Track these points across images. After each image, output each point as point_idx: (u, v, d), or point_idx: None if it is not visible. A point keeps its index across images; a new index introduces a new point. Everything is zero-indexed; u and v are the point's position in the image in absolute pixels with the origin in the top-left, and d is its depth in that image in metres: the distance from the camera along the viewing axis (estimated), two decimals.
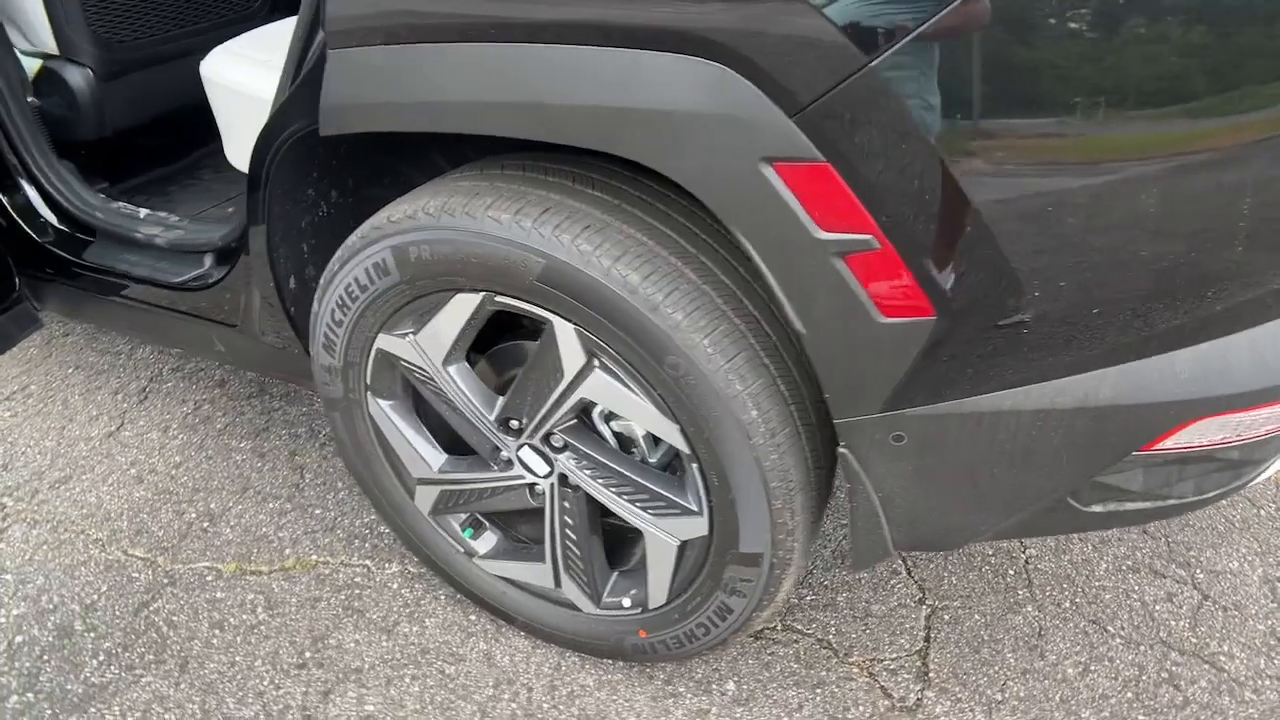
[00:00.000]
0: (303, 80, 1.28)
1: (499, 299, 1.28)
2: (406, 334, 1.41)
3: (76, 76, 2.04)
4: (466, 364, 1.43)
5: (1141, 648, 1.65)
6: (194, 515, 2.02)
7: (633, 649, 1.56)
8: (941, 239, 0.96)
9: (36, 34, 1.99)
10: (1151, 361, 1.03)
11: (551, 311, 1.24)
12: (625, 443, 1.44)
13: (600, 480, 1.40)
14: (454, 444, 1.60)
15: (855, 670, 1.63)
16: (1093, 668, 1.62)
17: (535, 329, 1.50)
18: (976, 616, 1.72)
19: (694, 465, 1.28)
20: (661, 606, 1.47)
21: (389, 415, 1.54)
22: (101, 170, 2.21)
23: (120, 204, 2.00)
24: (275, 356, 1.78)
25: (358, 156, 1.57)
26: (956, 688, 1.59)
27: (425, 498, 1.62)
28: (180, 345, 2.00)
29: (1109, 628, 1.68)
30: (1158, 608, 1.72)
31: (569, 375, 1.29)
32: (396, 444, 1.57)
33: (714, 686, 1.61)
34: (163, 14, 2.18)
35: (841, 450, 1.17)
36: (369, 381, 1.51)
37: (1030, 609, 1.73)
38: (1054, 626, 1.69)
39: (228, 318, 1.80)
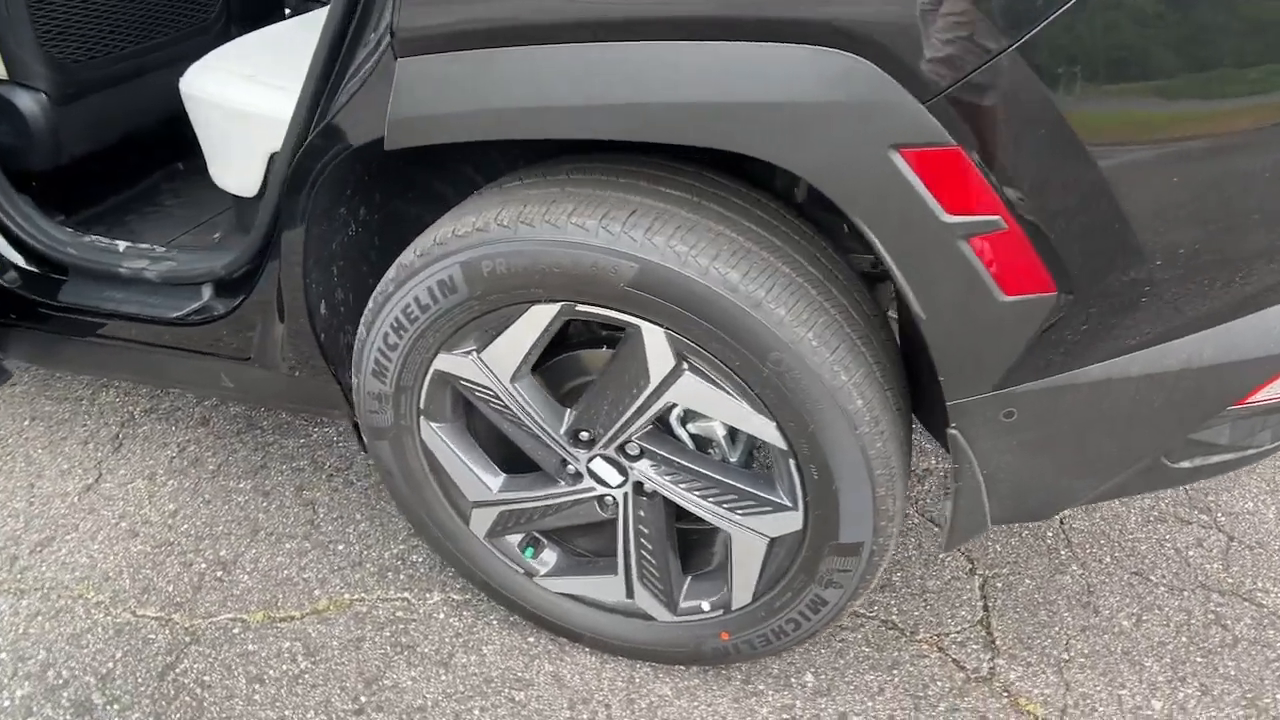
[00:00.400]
0: (354, 95, 1.21)
1: (580, 308, 1.24)
2: (469, 352, 1.36)
3: (28, 101, 1.88)
4: (534, 378, 1.39)
5: (1184, 593, 1.73)
6: (204, 565, 1.90)
7: (713, 653, 1.54)
8: (1067, 216, 0.98)
9: None
10: (1248, 319, 1.08)
11: (639, 316, 1.21)
12: (701, 444, 1.42)
13: (683, 484, 1.38)
14: (506, 462, 1.55)
15: (925, 647, 1.66)
16: (1144, 617, 1.69)
17: (593, 338, 1.48)
18: (1027, 581, 1.77)
19: (790, 461, 1.27)
20: (746, 606, 1.46)
21: (443, 439, 1.48)
22: (56, 201, 2.05)
23: (94, 237, 1.86)
24: (295, 388, 1.68)
25: (388, 171, 1.50)
26: (1024, 652, 1.64)
27: (482, 521, 1.56)
28: (178, 384, 1.87)
29: (1151, 577, 1.76)
30: (1190, 553, 1.81)
31: (655, 381, 1.27)
32: (452, 468, 1.51)
33: (793, 680, 1.61)
34: (118, 30, 2.03)
35: (951, 431, 1.18)
36: (423, 405, 1.45)
37: (1075, 568, 1.79)
38: (1100, 582, 1.76)
39: (238, 351, 1.69)
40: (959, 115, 0.94)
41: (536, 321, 1.28)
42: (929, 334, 1.09)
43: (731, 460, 1.41)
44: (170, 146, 2.35)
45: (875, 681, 1.60)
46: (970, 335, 1.08)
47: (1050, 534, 1.87)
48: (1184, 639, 1.64)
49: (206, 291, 1.72)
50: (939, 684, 1.59)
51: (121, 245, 1.83)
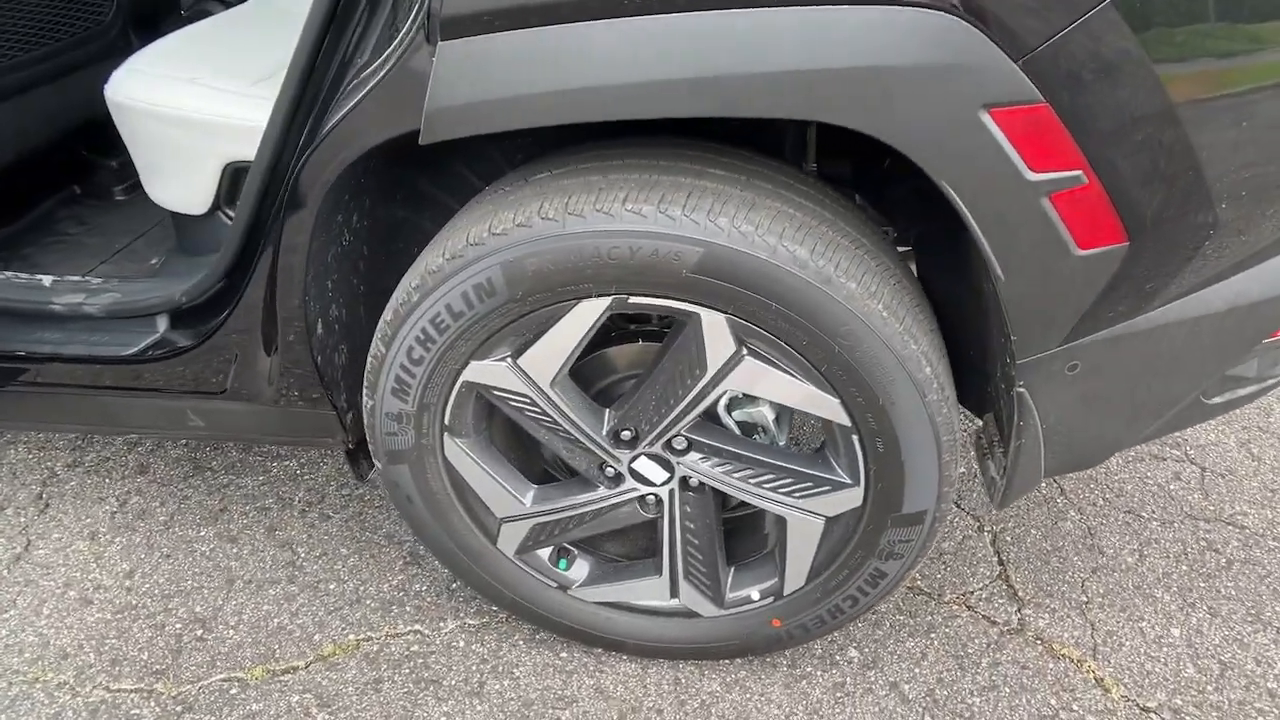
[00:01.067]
0: (370, 91, 1.10)
1: (634, 300, 1.18)
2: (503, 359, 1.27)
3: None
4: (572, 382, 1.31)
5: (1174, 525, 1.83)
6: (178, 625, 1.71)
7: (765, 641, 1.52)
8: (1145, 167, 1.00)
9: None
10: None
11: (698, 303, 1.16)
12: (746, 431, 1.39)
13: (735, 474, 1.34)
14: (528, 471, 1.47)
15: (955, 607, 1.68)
16: (1145, 552, 1.77)
17: (623, 334, 1.42)
18: (1033, 532, 1.83)
19: (854, 437, 1.25)
20: (800, 589, 1.44)
21: (470, 455, 1.39)
22: None
23: (10, 274, 1.64)
24: (282, 419, 1.54)
25: (378, 174, 1.38)
26: (1046, 599, 1.69)
27: (511, 537, 1.48)
28: (137, 429, 1.68)
29: (1142, 514, 1.86)
30: (1172, 487, 1.91)
31: (713, 369, 1.22)
32: (479, 484, 1.42)
33: (838, 658, 1.60)
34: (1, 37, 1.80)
35: (1020, 390, 1.19)
36: (447, 421, 1.35)
37: (1073, 514, 1.87)
38: (1099, 524, 1.84)
39: (208, 385, 1.53)
40: (1049, 72, 0.94)
41: (583, 319, 1.21)
42: (1006, 294, 1.09)
43: (780, 444, 1.38)
44: (64, 169, 2.11)
45: (917, 648, 1.61)
46: (1045, 292, 1.09)
47: (1045, 485, 1.94)
48: (1185, 568, 1.74)
49: (162, 323, 1.54)
50: (976, 641, 1.62)
51: (46, 279, 1.62)
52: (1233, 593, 1.69)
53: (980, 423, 1.47)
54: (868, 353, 1.15)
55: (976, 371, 1.41)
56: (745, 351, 1.20)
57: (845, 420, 1.23)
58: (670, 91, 1.00)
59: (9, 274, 1.64)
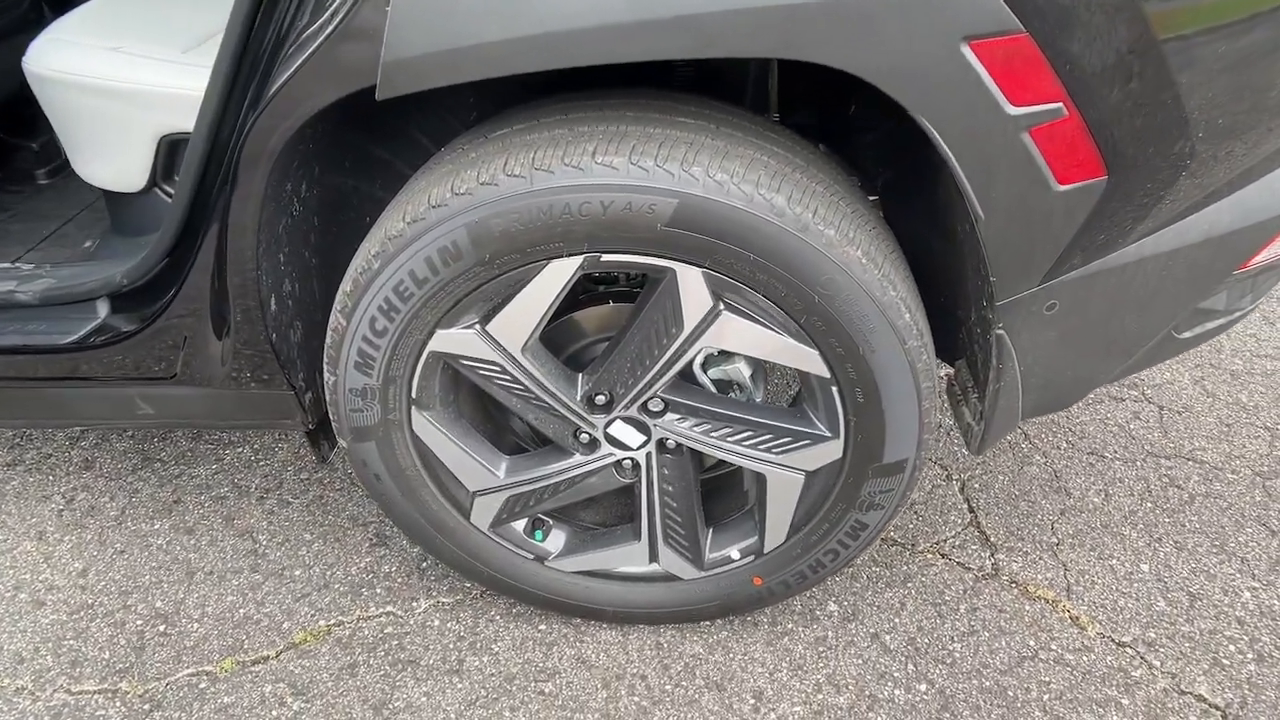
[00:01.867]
0: (319, 46, 1.02)
1: (606, 258, 1.12)
2: (471, 325, 1.21)
3: None
4: (543, 348, 1.26)
5: (1136, 463, 1.85)
6: (139, 622, 1.63)
7: (747, 600, 1.49)
8: (1124, 98, 0.97)
9: None
10: (1258, 184, 1.13)
11: (674, 258, 1.11)
12: (722, 389, 1.35)
13: (713, 433, 1.30)
14: (498, 443, 1.41)
15: (930, 556, 1.68)
16: (1110, 492, 1.79)
17: (592, 296, 1.36)
18: (1000, 477, 1.84)
19: (833, 389, 1.22)
20: (780, 546, 1.41)
21: (439, 428, 1.32)
22: None
23: None
24: (237, 402, 1.45)
25: (327, 139, 1.30)
26: (1018, 543, 1.69)
27: (485, 510, 1.42)
28: (81, 421, 1.57)
29: (1105, 454, 1.87)
30: (1132, 426, 1.93)
31: (690, 325, 1.18)
32: (450, 458, 1.35)
33: (818, 613, 1.59)
34: None
35: (999, 333, 1.17)
36: (414, 395, 1.28)
37: (1039, 458, 1.87)
38: (1064, 467, 1.85)
39: (158, 371, 1.44)
40: (1029, 0, 0.90)
41: (554, 280, 1.15)
42: (986, 233, 1.06)
43: (757, 400, 1.34)
44: None
45: (895, 598, 1.60)
46: (1025, 230, 1.06)
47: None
48: (1149, 505, 1.76)
49: (102, 308, 1.44)
50: (953, 589, 1.62)
51: None
52: (1197, 526, 1.71)
53: (950, 370, 1.46)
54: (847, 301, 1.12)
55: (947, 317, 1.38)
56: (722, 306, 1.16)
57: (824, 372, 1.20)
58: (644, 33, 0.94)
59: None
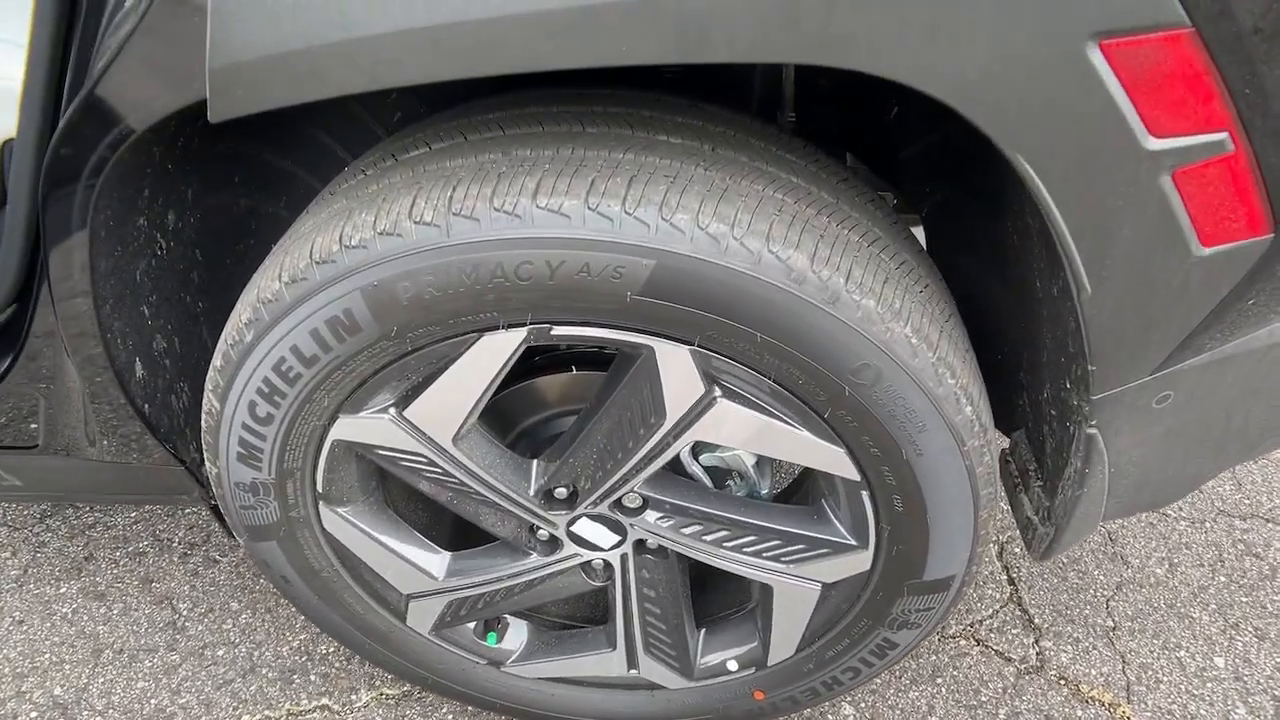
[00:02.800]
0: (131, 35, 0.67)
1: (558, 331, 0.79)
2: (384, 409, 0.88)
3: None
4: (484, 433, 0.93)
5: (1206, 524, 1.52)
6: (34, 714, 1.32)
7: (744, 715, 1.18)
8: None
9: None
10: None
11: (652, 334, 0.78)
12: (718, 476, 1.02)
13: (706, 536, 0.98)
14: (431, 528, 1.10)
15: (963, 643, 1.37)
16: (1175, 560, 1.47)
17: (554, 358, 1.03)
18: None
19: (863, 493, 0.89)
20: (788, 659, 1.10)
21: (356, 525, 1.00)
22: None
23: None
24: (117, 476, 1.13)
25: (198, 150, 0.95)
26: (1066, 626, 1.38)
27: (424, 614, 1.10)
28: None
29: (1168, 512, 1.55)
30: None
31: (675, 416, 0.84)
32: (374, 559, 1.04)
33: (829, 716, 1.28)
34: None
35: (1090, 432, 0.84)
36: (321, 489, 0.96)
37: None
38: (1121, 528, 1.53)
39: (17, 440, 1.11)
40: None
41: (488, 358, 0.82)
42: (1089, 311, 0.72)
43: (762, 493, 1.02)
44: None
45: (922, 698, 1.29)
46: (1146, 307, 0.72)
47: None
48: (1222, 578, 1.44)
49: None
50: (990, 686, 1.31)
51: None
52: None
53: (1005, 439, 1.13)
54: (889, 393, 0.79)
55: (1006, 377, 1.05)
56: (718, 393, 0.82)
57: (853, 475, 0.87)
58: (595, 24, 0.59)
59: None
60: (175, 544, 1.58)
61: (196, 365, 1.08)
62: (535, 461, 0.97)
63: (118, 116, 0.72)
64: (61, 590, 1.51)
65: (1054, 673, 1.32)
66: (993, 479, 0.89)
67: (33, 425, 1.09)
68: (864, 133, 1.14)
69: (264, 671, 1.37)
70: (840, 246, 0.76)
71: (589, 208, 0.71)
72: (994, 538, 1.01)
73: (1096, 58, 0.58)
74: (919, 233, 1.17)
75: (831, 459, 0.86)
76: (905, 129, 1.08)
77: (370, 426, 0.89)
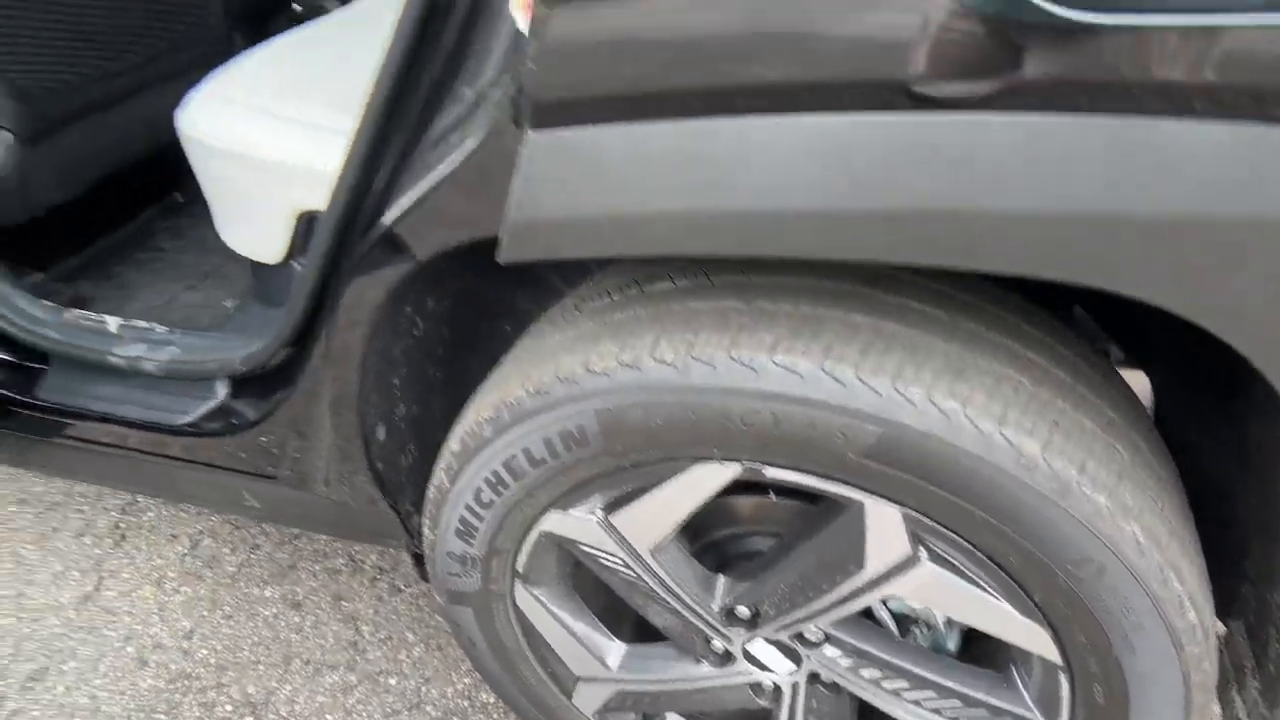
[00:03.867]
0: (444, 178, 0.76)
1: (773, 472, 0.81)
2: (593, 512, 0.93)
3: None
4: (680, 548, 0.96)
5: None
6: (228, 708, 1.47)
7: None
8: None
9: None
10: None
11: (865, 490, 0.79)
12: (902, 620, 1.00)
13: (882, 682, 0.96)
14: (610, 617, 1.13)
15: None
16: None
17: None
18: None
19: (1062, 675, 0.85)
20: None
21: (546, 607, 1.06)
22: (29, 257, 1.60)
23: (77, 314, 1.41)
24: (339, 515, 1.25)
25: (463, 256, 1.05)
26: None
27: (591, 697, 1.14)
28: (192, 500, 1.44)
29: None
30: None
31: (875, 569, 0.84)
32: (555, 639, 1.09)
33: None
34: (99, 45, 1.55)
35: None
36: (521, 569, 1.02)
37: None
38: None
39: (263, 468, 1.25)
40: None
41: (700, 484, 0.85)
42: None
43: (949, 647, 0.99)
44: (165, 174, 1.89)
45: None
46: None
47: None
48: None
49: (221, 389, 1.27)
50: None
51: (113, 323, 1.38)
52: None
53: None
54: (1109, 589, 0.75)
55: (1225, 559, 0.97)
56: (924, 555, 0.82)
57: (1055, 658, 0.84)
58: (881, 228, 0.62)
59: (76, 314, 1.41)
60: (367, 567, 1.71)
61: (426, 430, 1.18)
62: (722, 578, 0.99)
63: (417, 240, 0.81)
64: (266, 593, 1.67)
65: None
66: (1208, 687, 0.82)
67: (280, 459, 1.23)
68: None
69: (428, 709, 1.46)
70: (1075, 435, 0.74)
71: (823, 370, 0.73)
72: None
73: None
74: (1142, 383, 1.11)
75: (1034, 639, 0.83)
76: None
77: (577, 525, 0.94)
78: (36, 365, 1.37)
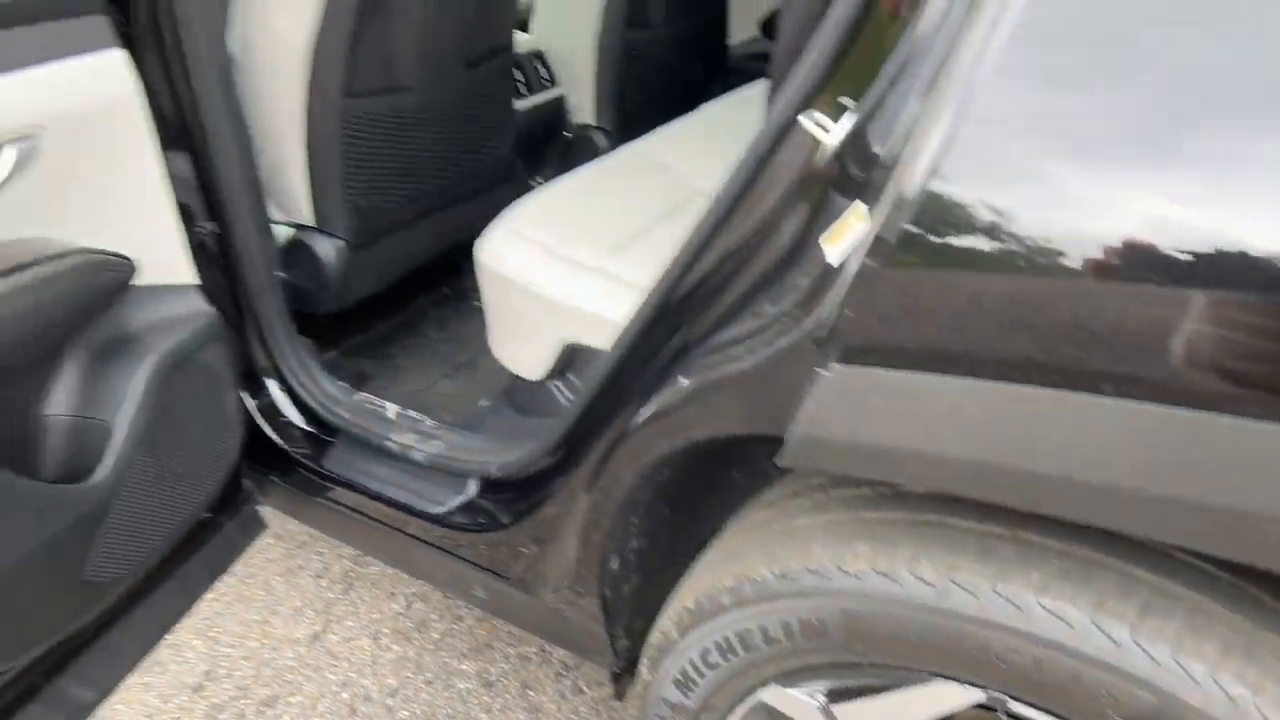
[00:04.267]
0: (729, 373, 0.82)
1: (1018, 708, 0.79)
2: (814, 696, 0.93)
3: (327, 248, 1.67)
4: None
5: None
6: None
7: None
8: None
9: (294, 203, 1.64)
10: None
11: None
12: None
13: None
14: None
15: None
16: None
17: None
18: None
19: None
20: None
21: None
22: (328, 337, 1.85)
23: (364, 396, 1.61)
24: (555, 623, 1.32)
25: None
26: None
27: None
28: (423, 578, 1.58)
29: None
30: None
31: None
32: None
33: None
34: (419, 173, 1.80)
35: None
36: None
37: None
38: None
39: (498, 567, 1.36)
40: None
41: (937, 700, 0.84)
42: None
43: None
44: (439, 270, 2.13)
45: None
46: None
47: None
48: None
49: (472, 486, 1.40)
50: None
51: (391, 410, 1.56)
52: None
53: None
54: None
55: None
56: None
57: None
58: (1199, 519, 0.61)
59: (363, 396, 1.61)
60: (554, 661, 1.78)
61: (651, 560, 1.23)
62: None
63: (698, 423, 0.88)
64: (463, 666, 1.77)
65: None
66: None
67: (515, 562, 1.32)
68: None
69: None
70: None
71: (1095, 624, 0.71)
72: None
73: None
74: None
75: None
76: None
77: (796, 704, 0.94)
78: (326, 438, 1.57)
